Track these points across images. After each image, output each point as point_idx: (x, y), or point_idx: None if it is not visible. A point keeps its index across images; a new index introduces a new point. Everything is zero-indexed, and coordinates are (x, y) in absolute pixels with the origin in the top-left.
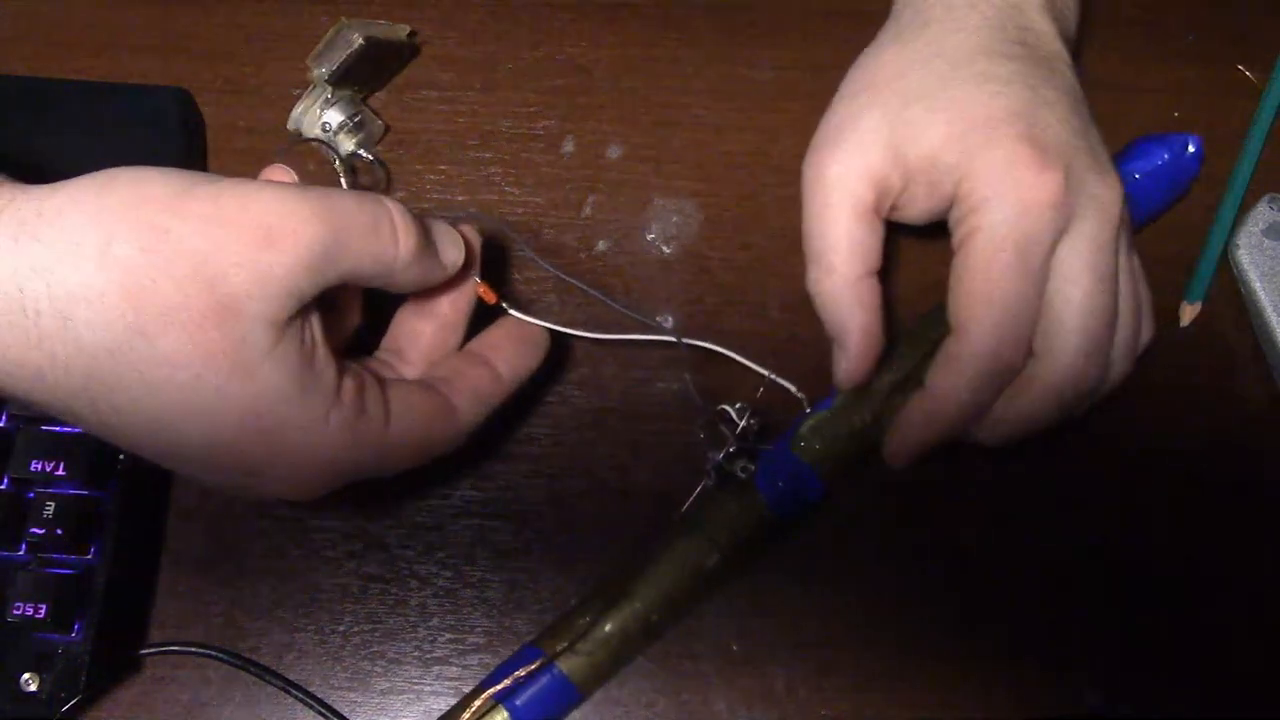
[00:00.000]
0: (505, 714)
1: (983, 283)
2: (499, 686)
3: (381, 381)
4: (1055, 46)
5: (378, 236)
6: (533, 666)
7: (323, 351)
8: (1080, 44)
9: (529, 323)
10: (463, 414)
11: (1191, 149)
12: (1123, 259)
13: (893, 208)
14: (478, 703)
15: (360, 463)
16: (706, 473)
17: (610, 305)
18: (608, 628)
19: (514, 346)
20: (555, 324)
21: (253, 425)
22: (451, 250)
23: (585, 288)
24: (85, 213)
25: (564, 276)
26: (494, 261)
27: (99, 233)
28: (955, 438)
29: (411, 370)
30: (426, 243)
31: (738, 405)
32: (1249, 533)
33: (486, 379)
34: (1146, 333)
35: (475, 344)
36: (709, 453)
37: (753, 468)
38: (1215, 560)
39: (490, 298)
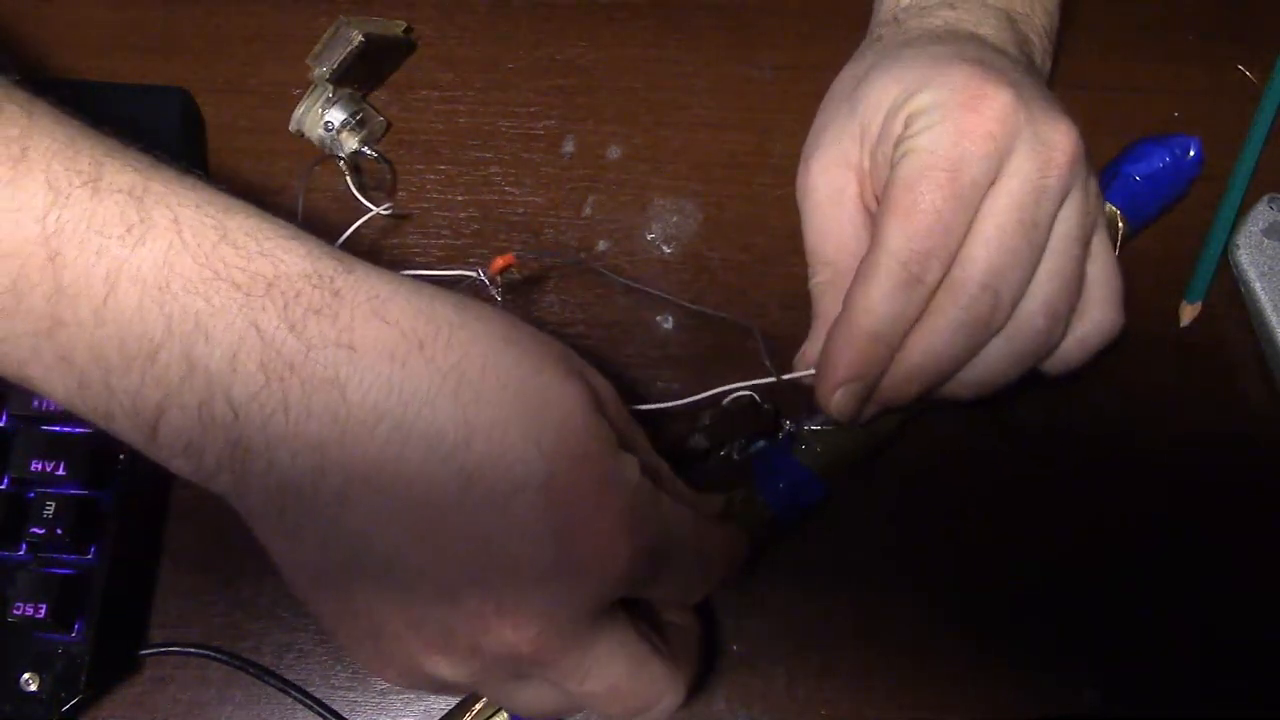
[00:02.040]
0: (505, 717)
1: (907, 195)
2: None
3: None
4: (1014, 52)
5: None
6: None
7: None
8: (1068, 52)
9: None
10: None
11: (1193, 153)
12: (1068, 219)
13: (878, 196)
14: (479, 706)
15: (671, 524)
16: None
17: (710, 313)
18: None
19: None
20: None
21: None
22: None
23: (673, 298)
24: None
25: (634, 285)
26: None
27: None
28: (874, 368)
29: None
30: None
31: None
32: (1249, 533)
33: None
34: (1098, 318)
35: None
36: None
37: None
38: (1215, 560)
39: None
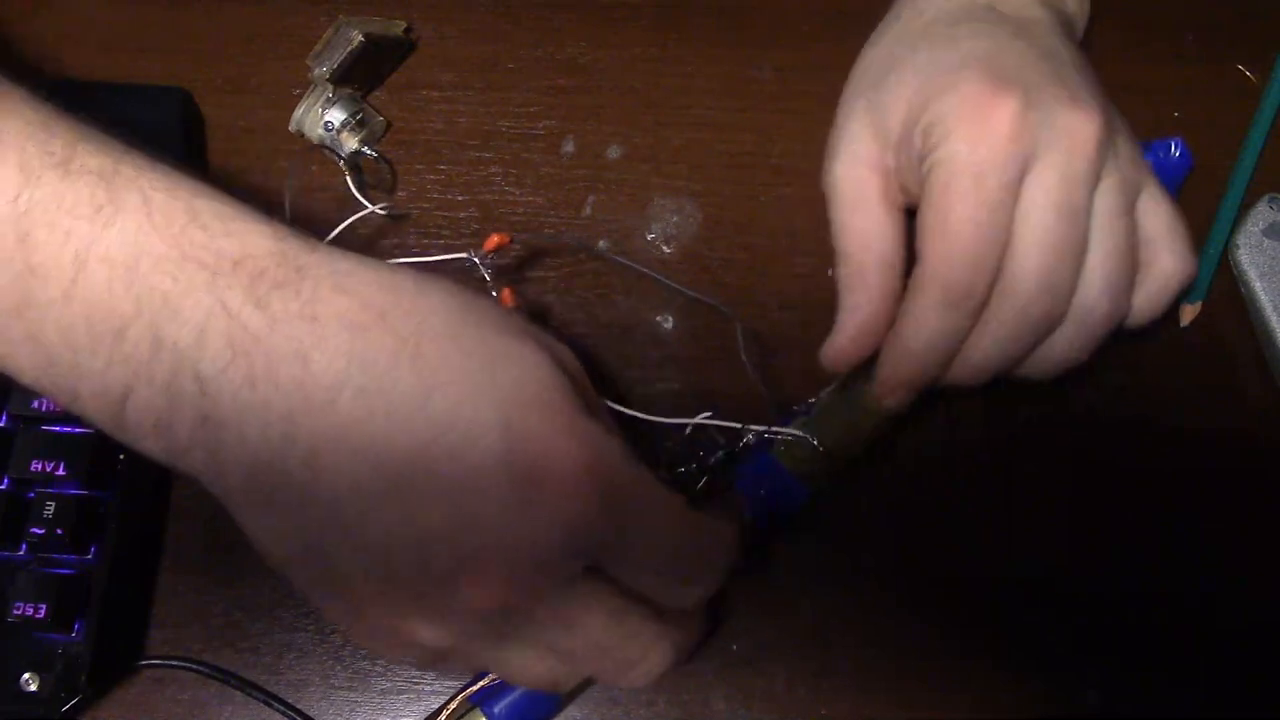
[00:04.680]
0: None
1: (938, 211)
2: (475, 688)
3: None
4: (1033, 13)
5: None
6: None
7: None
8: (1085, 33)
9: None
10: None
11: (1176, 152)
12: (1107, 196)
13: (904, 190)
14: (454, 704)
15: (636, 493)
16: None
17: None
18: None
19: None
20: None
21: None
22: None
23: (696, 293)
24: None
25: (661, 277)
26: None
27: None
28: (932, 373)
29: None
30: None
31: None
32: (1250, 532)
33: None
34: (1169, 267)
35: None
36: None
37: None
38: (1216, 560)
39: (508, 304)
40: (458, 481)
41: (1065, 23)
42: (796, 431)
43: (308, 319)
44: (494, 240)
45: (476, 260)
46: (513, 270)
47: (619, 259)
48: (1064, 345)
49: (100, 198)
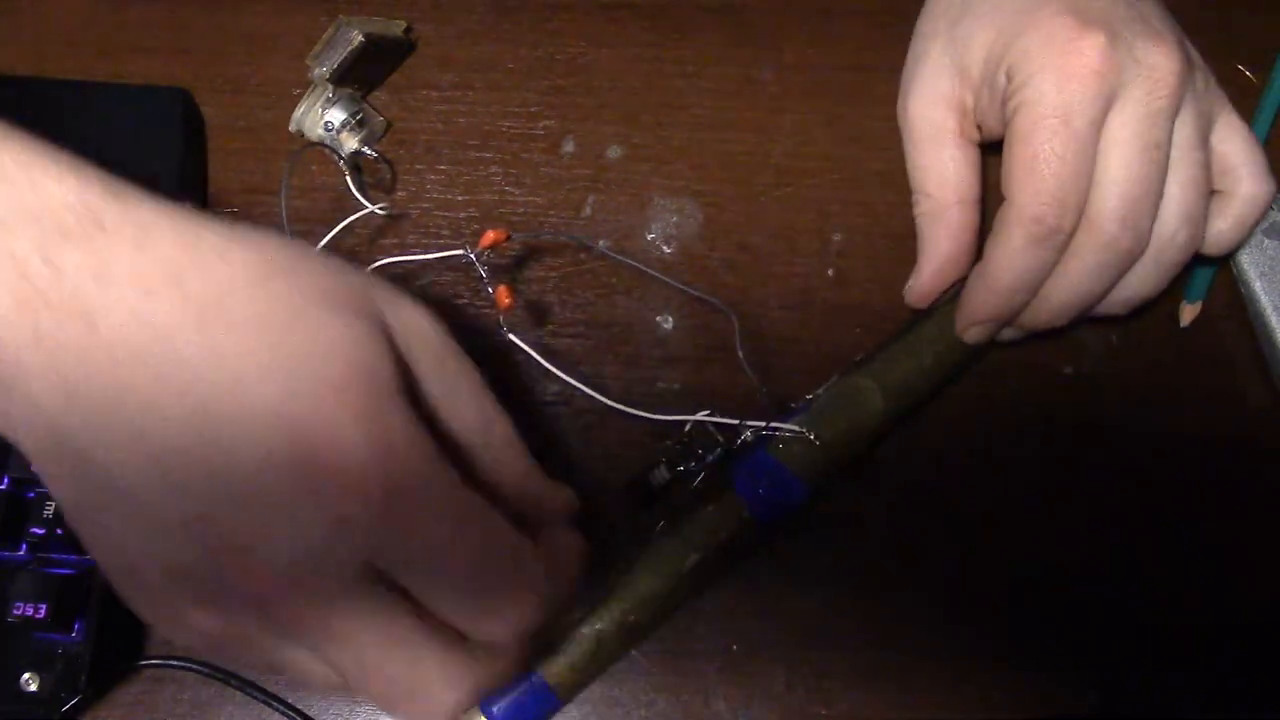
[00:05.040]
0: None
1: (1026, 149)
2: None
3: None
4: None
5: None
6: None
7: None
8: None
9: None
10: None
11: None
12: (1184, 127)
13: (979, 126)
14: None
15: (429, 487)
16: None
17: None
18: (585, 631)
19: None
20: (580, 381)
21: (340, 377)
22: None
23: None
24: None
25: (666, 279)
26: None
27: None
28: (1017, 309)
29: None
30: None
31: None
32: (1250, 532)
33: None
34: (1248, 191)
35: None
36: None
37: (668, 475)
38: (1216, 560)
39: (505, 302)
40: (231, 463)
41: None
42: (794, 427)
43: (99, 278)
44: (489, 236)
45: (473, 257)
46: (512, 268)
47: (618, 257)
48: (1141, 278)
49: None
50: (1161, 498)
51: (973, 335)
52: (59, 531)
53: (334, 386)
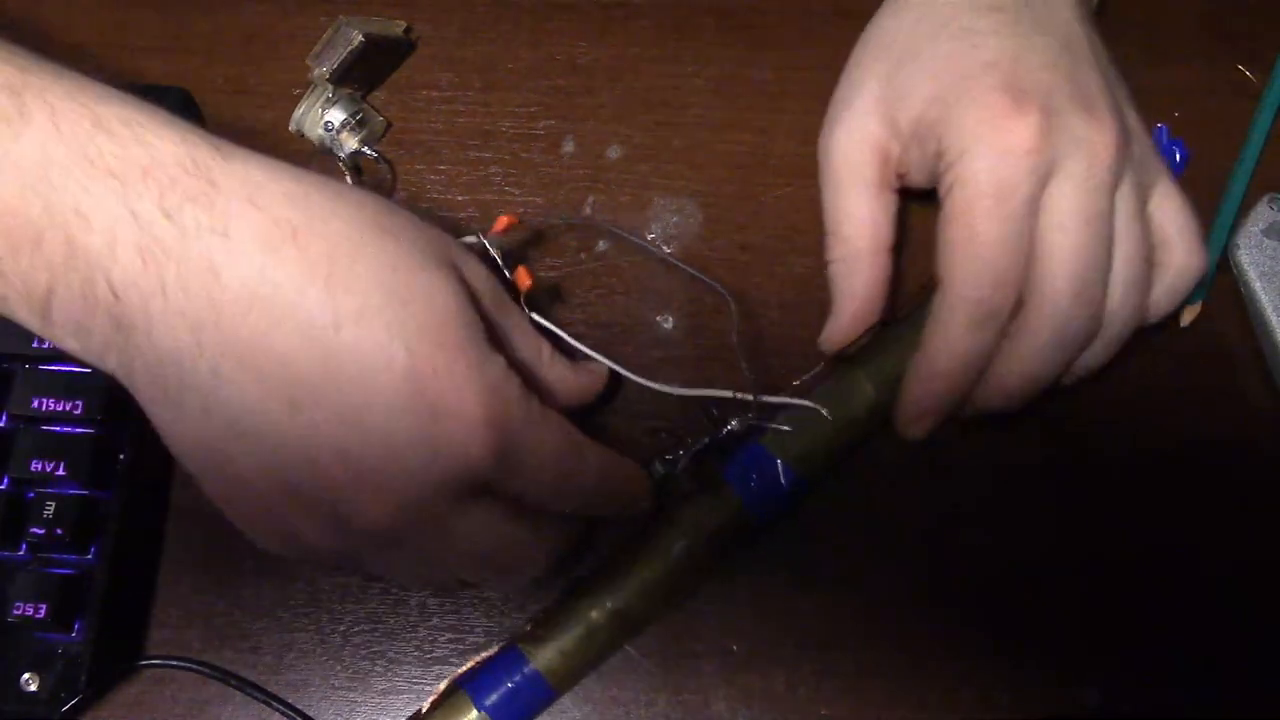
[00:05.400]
0: (475, 713)
1: (962, 230)
2: (462, 669)
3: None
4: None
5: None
6: (494, 650)
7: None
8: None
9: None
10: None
11: (1177, 157)
12: (1124, 202)
13: (900, 175)
14: (442, 685)
15: (534, 430)
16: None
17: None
18: (579, 624)
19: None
20: (575, 340)
21: (454, 334)
22: (591, 372)
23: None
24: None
25: (692, 272)
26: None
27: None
28: (958, 399)
29: None
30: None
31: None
32: (1249, 532)
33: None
34: (1182, 262)
35: None
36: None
37: (660, 469)
38: (1215, 560)
39: (525, 282)
40: (359, 409)
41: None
42: (808, 403)
43: (219, 234)
44: (503, 222)
45: (485, 242)
46: (518, 252)
47: (619, 231)
48: (1091, 352)
49: (10, 111)
50: (1161, 497)
51: (914, 432)
52: (59, 531)
53: (448, 345)
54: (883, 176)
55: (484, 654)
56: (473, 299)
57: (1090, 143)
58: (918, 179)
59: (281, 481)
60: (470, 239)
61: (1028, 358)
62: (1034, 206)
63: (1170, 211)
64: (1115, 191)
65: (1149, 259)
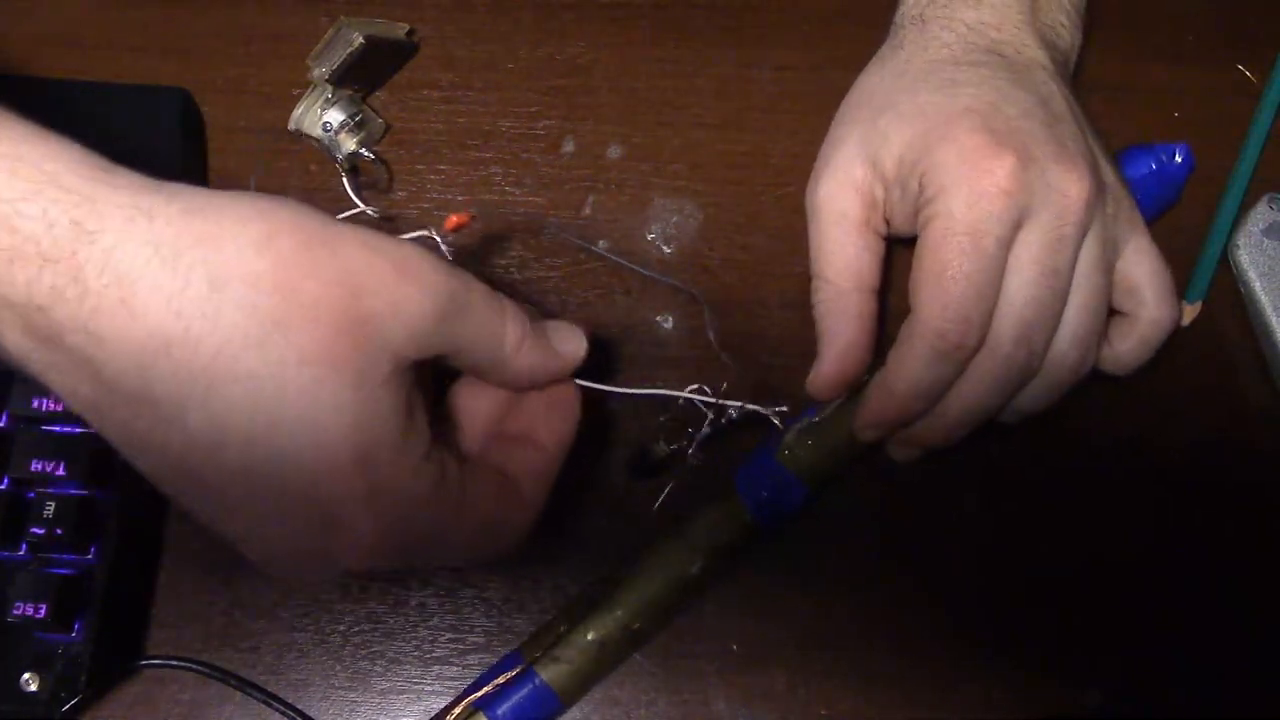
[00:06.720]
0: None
1: (934, 264)
2: (479, 694)
3: (459, 458)
4: (1033, 54)
5: (495, 312)
6: (512, 674)
7: (421, 413)
8: (1081, 50)
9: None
10: (528, 496)
11: (1179, 158)
12: (1088, 252)
13: (887, 221)
14: (458, 710)
15: (433, 532)
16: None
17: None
18: (589, 636)
19: (552, 414)
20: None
21: (353, 451)
22: (571, 342)
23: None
24: (250, 207)
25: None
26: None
27: (263, 224)
28: (913, 418)
29: (467, 450)
30: (538, 333)
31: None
32: (1249, 532)
33: (537, 457)
34: (1154, 316)
35: (511, 423)
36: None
37: (670, 448)
38: (1215, 560)
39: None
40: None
41: (1062, 61)
42: (763, 410)
43: (137, 269)
44: (454, 220)
45: (438, 239)
46: (512, 269)
47: (597, 249)
48: (1032, 395)
49: None
50: (1161, 497)
51: (867, 436)
52: (59, 531)
53: (345, 458)
54: (866, 218)
55: (501, 677)
56: (393, 371)
57: (1063, 193)
58: (904, 226)
59: (279, 533)
60: (420, 233)
61: (968, 391)
62: (1006, 248)
63: (1144, 266)
64: (1080, 242)
65: (1105, 313)
